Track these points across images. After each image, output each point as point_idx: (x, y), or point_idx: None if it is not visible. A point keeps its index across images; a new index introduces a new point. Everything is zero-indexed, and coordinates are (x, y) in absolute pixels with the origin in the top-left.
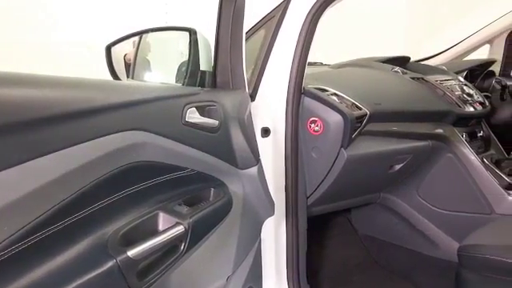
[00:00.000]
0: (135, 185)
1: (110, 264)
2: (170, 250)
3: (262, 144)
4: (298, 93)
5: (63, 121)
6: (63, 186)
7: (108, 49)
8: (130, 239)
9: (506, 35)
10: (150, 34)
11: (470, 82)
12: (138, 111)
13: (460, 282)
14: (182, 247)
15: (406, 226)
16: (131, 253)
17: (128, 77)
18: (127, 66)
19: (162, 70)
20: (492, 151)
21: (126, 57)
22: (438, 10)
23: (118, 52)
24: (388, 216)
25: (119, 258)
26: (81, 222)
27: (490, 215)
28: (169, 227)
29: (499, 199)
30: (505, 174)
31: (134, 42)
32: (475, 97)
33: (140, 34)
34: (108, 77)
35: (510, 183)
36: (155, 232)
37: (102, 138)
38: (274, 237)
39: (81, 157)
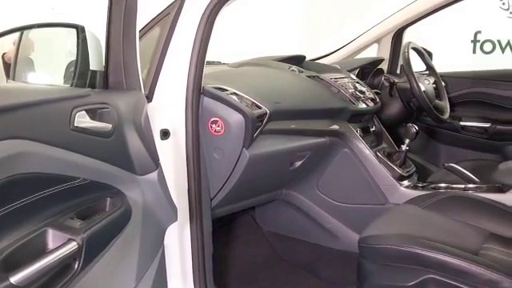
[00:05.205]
0: (17, 200)
1: None
2: (62, 270)
3: (162, 147)
4: (198, 93)
5: None
6: None
7: None
8: (14, 263)
9: (391, 35)
10: (33, 31)
11: (362, 79)
12: (18, 117)
13: (361, 272)
14: (77, 265)
15: (308, 221)
16: (15, 279)
17: (8, 78)
18: (7, 65)
19: (47, 71)
20: (384, 145)
21: (5, 56)
22: (330, 11)
23: None
24: (291, 211)
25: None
26: None
27: (385, 205)
28: (60, 245)
29: (392, 190)
30: (396, 165)
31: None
32: (367, 94)
33: (21, 30)
34: None
35: (401, 174)
36: (44, 251)
37: None
38: (179, 242)
39: None
